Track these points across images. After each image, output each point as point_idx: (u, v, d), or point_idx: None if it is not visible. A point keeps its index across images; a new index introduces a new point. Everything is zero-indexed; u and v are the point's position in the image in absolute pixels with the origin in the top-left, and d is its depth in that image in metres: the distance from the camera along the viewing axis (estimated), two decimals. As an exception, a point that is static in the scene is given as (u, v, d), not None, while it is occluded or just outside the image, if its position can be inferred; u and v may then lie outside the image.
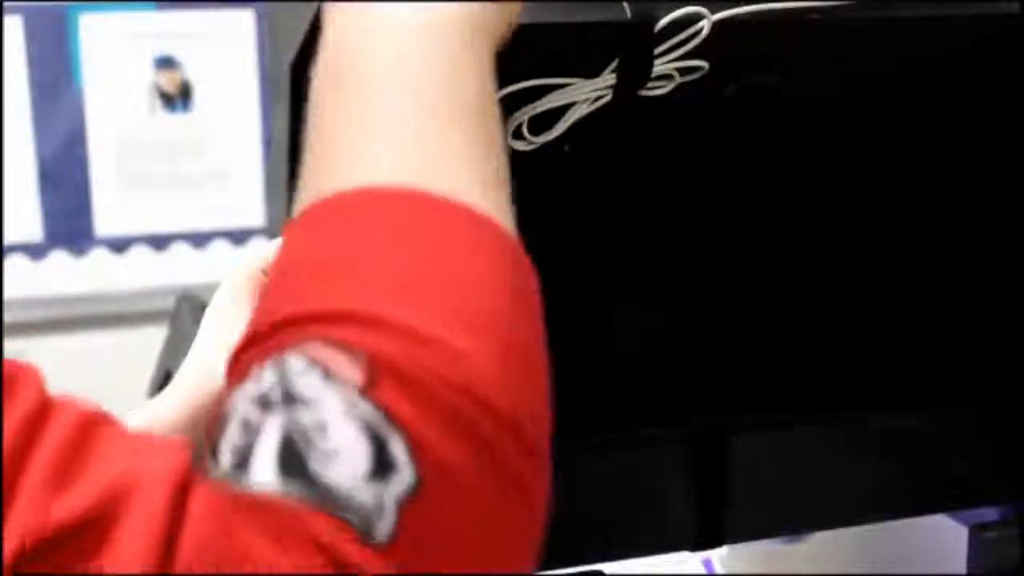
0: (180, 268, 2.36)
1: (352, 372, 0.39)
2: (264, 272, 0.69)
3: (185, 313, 1.31)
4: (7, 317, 2.13)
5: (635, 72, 0.73)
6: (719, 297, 0.83)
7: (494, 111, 0.48)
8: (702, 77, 0.75)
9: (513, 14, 0.52)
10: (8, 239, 2.24)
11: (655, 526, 0.85)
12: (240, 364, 0.42)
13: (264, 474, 0.38)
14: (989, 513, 0.95)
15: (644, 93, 0.74)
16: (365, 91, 0.47)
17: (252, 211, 2.38)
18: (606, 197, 0.79)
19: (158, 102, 2.33)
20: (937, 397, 0.90)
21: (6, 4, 2.16)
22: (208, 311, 0.71)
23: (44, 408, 0.40)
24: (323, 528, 0.37)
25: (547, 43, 0.72)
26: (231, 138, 2.37)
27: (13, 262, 2.26)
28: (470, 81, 0.48)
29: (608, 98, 0.73)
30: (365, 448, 0.38)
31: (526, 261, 0.46)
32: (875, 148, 0.84)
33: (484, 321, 0.42)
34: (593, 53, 0.73)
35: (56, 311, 2.29)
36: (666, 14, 0.73)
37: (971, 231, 0.87)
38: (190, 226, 2.37)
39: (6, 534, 0.37)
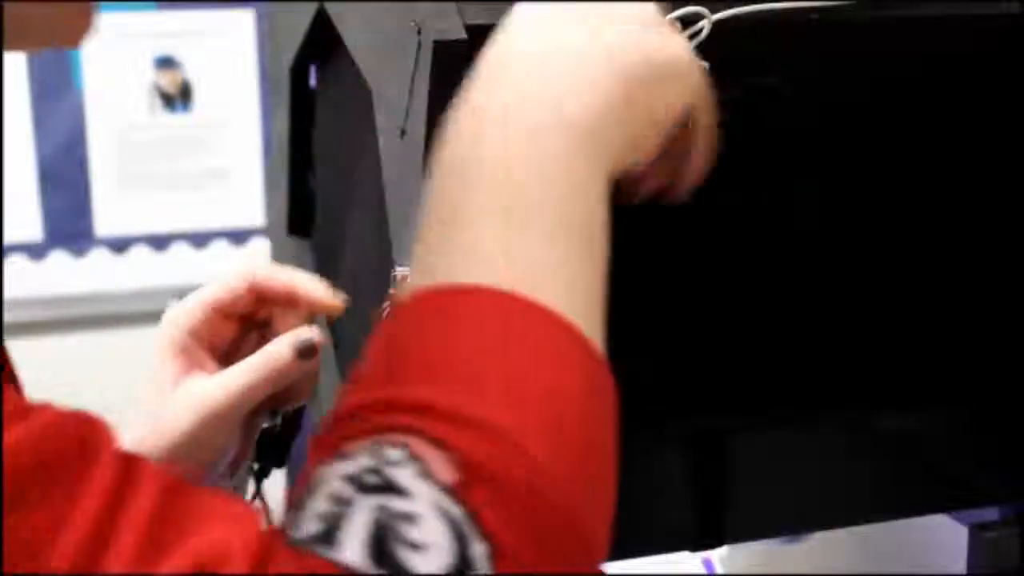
0: (180, 268, 2.36)
1: (447, 472, 0.42)
2: (189, 334, 0.73)
3: (185, 313, 1.31)
4: (7, 317, 2.13)
5: (635, 72, 0.73)
6: (719, 297, 0.83)
7: (605, 234, 0.52)
8: (702, 77, 0.75)
9: (641, 148, 0.55)
10: (8, 239, 2.24)
11: (655, 526, 0.85)
12: (339, 430, 0.45)
13: (352, 552, 0.40)
14: (989, 513, 0.95)
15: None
16: (494, 195, 0.50)
17: (252, 211, 2.38)
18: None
19: (158, 102, 2.33)
20: (937, 397, 0.90)
21: (6, 4, 2.16)
22: (143, 382, 0.74)
23: (127, 471, 0.41)
24: None
25: (547, 43, 0.72)
26: (231, 138, 2.37)
27: (13, 262, 2.26)
28: (594, 206, 0.51)
29: (608, 98, 0.73)
30: (450, 546, 0.41)
31: (612, 382, 0.49)
32: (875, 148, 0.84)
33: (575, 440, 0.45)
34: (593, 53, 0.73)
35: (56, 311, 2.29)
36: (666, 14, 0.73)
37: (972, 231, 0.87)
38: (190, 226, 2.37)
39: None
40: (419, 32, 0.70)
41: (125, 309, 2.33)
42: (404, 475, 0.42)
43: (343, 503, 0.42)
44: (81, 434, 0.42)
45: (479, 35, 0.70)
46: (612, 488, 0.47)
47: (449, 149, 0.54)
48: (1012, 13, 0.82)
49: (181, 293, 1.28)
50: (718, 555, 1.20)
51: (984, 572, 0.93)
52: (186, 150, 2.36)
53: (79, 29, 0.55)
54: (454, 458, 0.42)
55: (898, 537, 1.05)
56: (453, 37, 0.69)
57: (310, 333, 0.72)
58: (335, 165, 1.01)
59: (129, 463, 0.42)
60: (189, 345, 0.73)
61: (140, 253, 2.36)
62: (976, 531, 0.93)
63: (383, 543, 0.41)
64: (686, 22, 0.73)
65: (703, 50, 0.74)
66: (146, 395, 0.74)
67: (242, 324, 0.76)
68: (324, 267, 1.03)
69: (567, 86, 0.52)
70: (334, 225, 1.01)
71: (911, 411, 0.89)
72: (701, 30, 0.73)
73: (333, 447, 0.44)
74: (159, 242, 2.36)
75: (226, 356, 0.75)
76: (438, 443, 0.42)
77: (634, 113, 0.54)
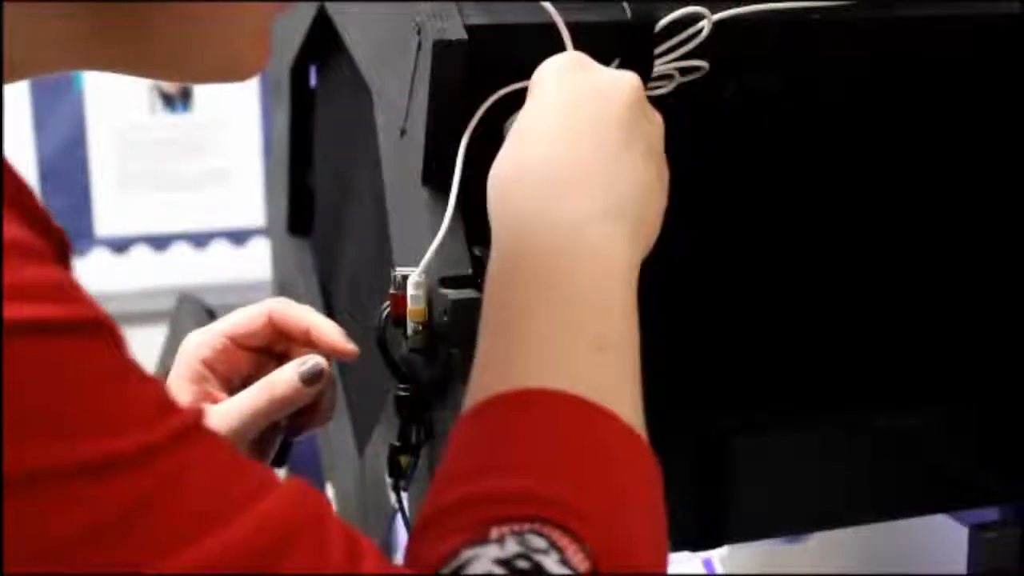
0: (180, 268, 2.36)
1: (581, 560, 0.49)
2: (204, 363, 0.75)
3: (185, 313, 1.32)
4: (7, 317, 2.13)
5: (635, 72, 0.73)
6: (719, 297, 0.83)
7: (638, 344, 0.61)
8: (702, 77, 0.75)
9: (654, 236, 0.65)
10: (8, 239, 2.24)
11: (655, 526, 0.85)
12: (463, 516, 0.51)
13: None
14: (989, 513, 0.95)
15: (644, 93, 0.74)
16: (567, 306, 0.58)
17: (252, 211, 2.38)
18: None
19: (158, 102, 2.33)
20: (937, 397, 0.90)
21: (6, 4, 2.16)
22: None
23: (351, 545, 0.47)
24: None
25: (547, 43, 0.72)
26: (231, 138, 2.37)
27: (13, 262, 2.26)
28: (634, 318, 0.61)
29: (608, 98, 0.73)
30: None
31: (660, 473, 0.57)
32: (875, 148, 0.84)
33: (659, 535, 0.55)
34: (593, 53, 0.73)
35: (56, 311, 2.28)
36: (666, 14, 0.73)
37: (972, 231, 0.88)
38: (190, 226, 2.37)
39: None
40: (419, 32, 0.70)
41: (125, 309, 2.33)
42: (550, 562, 0.48)
43: None
44: (321, 500, 0.47)
45: (479, 35, 0.70)
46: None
47: (509, 257, 0.61)
48: (1012, 13, 0.82)
49: (181, 293, 1.28)
50: (718, 555, 1.20)
51: (984, 572, 0.93)
52: (186, 150, 2.36)
53: (255, 62, 0.57)
54: (585, 549, 0.49)
55: (898, 537, 1.05)
56: (453, 37, 0.69)
57: (316, 359, 0.73)
58: (335, 165, 1.01)
59: (350, 535, 0.47)
60: (202, 373, 0.75)
61: (140, 253, 2.36)
62: (976, 531, 0.93)
63: None
64: (686, 22, 0.73)
65: (703, 50, 0.74)
66: None
67: (259, 356, 0.76)
68: (324, 267, 1.03)
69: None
70: (334, 225, 1.01)
71: (911, 411, 0.90)
72: (701, 30, 0.73)
73: (467, 529, 0.50)
74: (159, 242, 2.36)
75: (244, 384, 0.75)
76: (572, 535, 0.50)
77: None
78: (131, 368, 0.45)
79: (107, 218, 2.33)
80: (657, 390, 0.83)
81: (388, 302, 0.71)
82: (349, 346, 0.73)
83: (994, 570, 0.93)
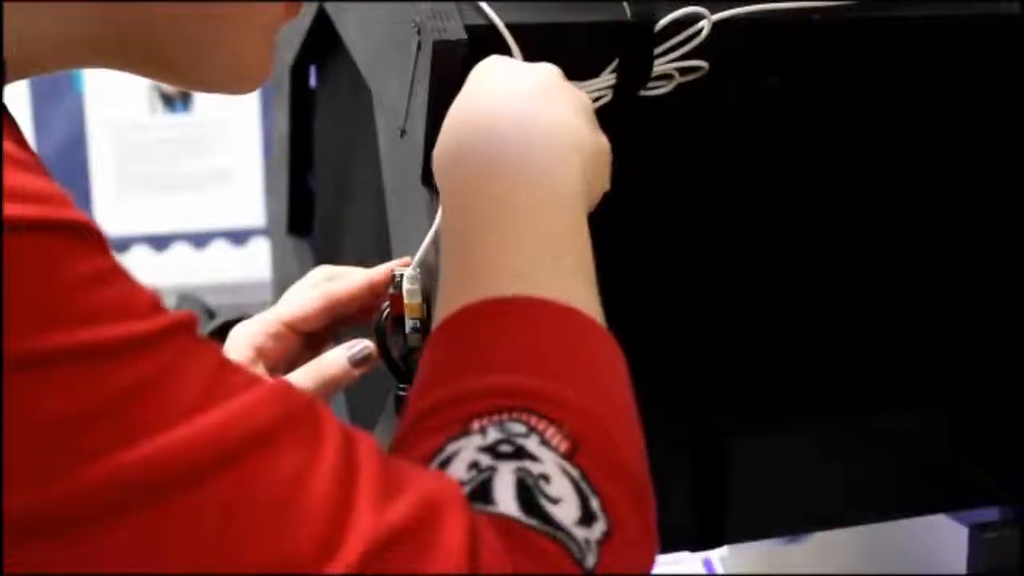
0: (180, 268, 2.35)
1: (561, 441, 0.51)
2: (255, 350, 0.76)
3: (185, 313, 1.31)
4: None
5: (635, 72, 0.73)
6: (719, 297, 0.83)
7: (591, 255, 0.62)
8: (702, 77, 0.75)
9: (601, 190, 0.66)
10: (8, 239, 2.24)
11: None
12: (443, 415, 0.52)
13: (507, 506, 0.49)
14: (989, 513, 0.95)
15: (644, 93, 0.75)
16: (522, 220, 0.60)
17: (252, 211, 2.38)
18: (605, 197, 0.79)
19: (158, 102, 2.33)
20: (937, 397, 0.90)
21: (6, 4, 2.16)
22: None
23: (347, 437, 0.48)
24: (556, 552, 0.49)
25: (547, 43, 0.72)
26: (231, 138, 2.37)
27: (13, 262, 2.25)
28: (586, 233, 0.62)
29: (608, 98, 0.73)
30: (576, 499, 0.50)
31: (624, 361, 0.59)
32: (875, 148, 0.84)
33: (630, 414, 0.57)
34: (593, 53, 0.73)
35: (56, 311, 2.28)
36: (666, 14, 0.73)
37: (972, 231, 0.87)
38: (190, 226, 2.37)
39: (351, 543, 0.45)
40: (419, 32, 0.70)
41: (125, 309, 2.33)
42: (530, 444, 0.51)
43: (487, 469, 0.50)
44: (309, 400, 0.49)
45: (479, 35, 0.70)
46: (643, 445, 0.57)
47: (466, 182, 0.62)
48: (1012, 13, 0.82)
49: (181, 293, 1.28)
50: (718, 555, 1.20)
51: (984, 572, 0.93)
52: (186, 150, 2.36)
53: (259, 71, 0.59)
54: (563, 430, 0.52)
55: (898, 537, 1.05)
56: (453, 37, 0.69)
57: (364, 342, 0.74)
58: (335, 165, 1.01)
59: (346, 430, 0.49)
60: (251, 359, 0.75)
61: (140, 253, 2.36)
62: (976, 531, 0.93)
63: (530, 497, 0.49)
64: (686, 22, 0.73)
65: (703, 50, 0.74)
66: None
67: (307, 339, 0.77)
68: (324, 267, 1.03)
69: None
70: (334, 225, 1.01)
71: (911, 411, 0.90)
72: (701, 30, 0.73)
73: (450, 426, 0.52)
74: (159, 242, 2.36)
75: (285, 371, 0.76)
76: (549, 418, 0.52)
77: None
78: (124, 270, 0.46)
79: (107, 218, 2.33)
80: (657, 390, 0.83)
81: (388, 302, 0.71)
82: (403, 259, 0.75)
83: (994, 570, 0.93)
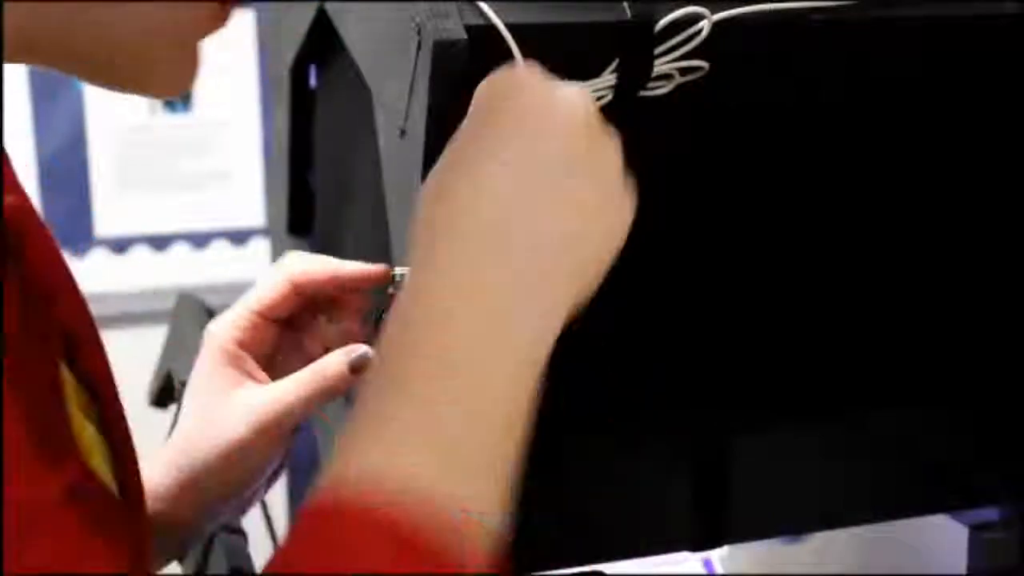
0: (180, 268, 2.35)
1: None
2: (238, 344, 0.75)
3: (185, 313, 1.31)
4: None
5: (635, 72, 0.73)
6: (719, 297, 0.83)
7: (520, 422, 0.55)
8: (702, 77, 0.75)
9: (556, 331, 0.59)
10: (8, 239, 2.24)
11: (655, 526, 0.85)
12: None
13: None
14: (989, 513, 0.95)
15: (644, 93, 0.75)
16: (440, 398, 0.53)
17: (252, 211, 2.38)
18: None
19: (158, 102, 2.33)
20: (937, 397, 0.90)
21: (6, 4, 2.16)
22: (189, 386, 0.77)
23: None
24: None
25: (547, 43, 0.72)
26: (231, 138, 2.37)
27: (13, 262, 2.25)
28: (520, 392, 0.56)
29: (608, 98, 0.73)
30: None
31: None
32: (875, 148, 0.84)
33: None
34: (593, 53, 0.73)
35: (56, 311, 2.28)
36: (666, 14, 0.73)
37: (972, 231, 0.88)
38: (190, 226, 2.37)
39: None
40: (419, 32, 0.70)
41: (125, 309, 2.33)
42: None
43: None
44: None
45: (479, 35, 0.70)
46: None
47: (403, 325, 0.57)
48: (1012, 13, 0.82)
49: (181, 293, 1.28)
50: (718, 555, 1.20)
51: (984, 572, 0.93)
52: (186, 151, 2.36)
53: (174, 79, 0.57)
54: None
55: (898, 537, 1.05)
56: (453, 37, 0.69)
57: (363, 348, 0.73)
58: (335, 165, 1.01)
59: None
60: (239, 355, 0.75)
61: (140, 253, 2.36)
62: (976, 531, 0.93)
63: None
64: (686, 22, 0.73)
65: (703, 50, 0.74)
66: (198, 396, 0.76)
67: (283, 329, 0.77)
68: (324, 267, 1.03)
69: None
70: (334, 225, 1.02)
71: (911, 411, 0.90)
72: (701, 30, 0.73)
73: None
74: (159, 242, 2.36)
75: (269, 361, 0.76)
76: None
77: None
78: None
79: (107, 218, 2.33)
80: (658, 390, 0.83)
81: (388, 302, 0.71)
82: (378, 267, 0.73)
83: (994, 570, 0.93)
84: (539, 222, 0.58)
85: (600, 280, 0.61)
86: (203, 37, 0.58)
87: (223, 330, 0.76)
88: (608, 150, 0.62)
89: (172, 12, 0.55)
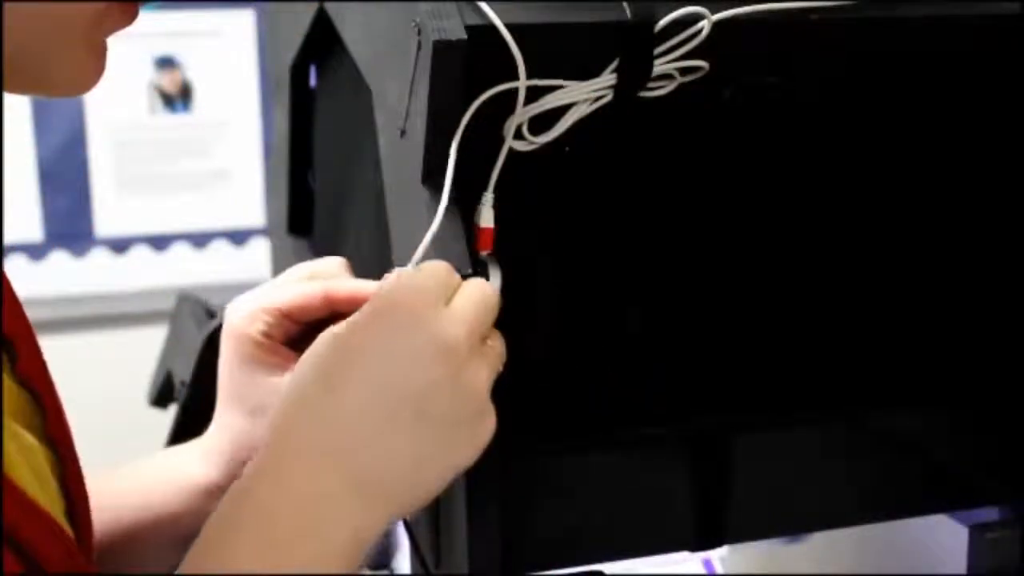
0: (180, 268, 2.36)
1: None
2: (267, 336, 0.76)
3: (185, 313, 1.31)
4: (7, 317, 2.13)
5: (635, 72, 0.73)
6: (719, 297, 0.83)
7: None
8: (702, 77, 0.75)
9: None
10: (8, 239, 2.24)
11: (655, 526, 0.85)
12: None
13: None
14: (989, 513, 0.95)
15: (644, 93, 0.75)
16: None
17: (252, 211, 2.38)
18: (606, 197, 0.79)
19: (158, 102, 2.33)
20: (937, 397, 0.90)
21: (6, 4, 2.16)
22: (220, 376, 0.79)
23: None
24: None
25: (547, 43, 0.72)
26: (231, 138, 2.37)
27: (13, 262, 2.26)
28: None
29: (608, 98, 0.73)
30: None
31: None
32: (875, 148, 0.84)
33: None
34: (593, 53, 0.73)
35: (56, 311, 2.29)
36: (666, 14, 0.73)
37: (972, 231, 0.88)
38: (190, 226, 2.37)
39: None
40: (419, 32, 0.70)
41: (125, 309, 2.33)
42: None
43: None
44: None
45: (479, 35, 0.70)
46: None
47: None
48: (1012, 13, 0.82)
49: (181, 293, 1.28)
50: (718, 555, 1.20)
51: (984, 572, 0.93)
52: (186, 150, 2.36)
53: (94, 77, 0.56)
54: None
55: (898, 537, 1.05)
56: (453, 37, 0.69)
57: None
58: (335, 165, 1.01)
59: None
60: (272, 345, 0.76)
61: (140, 253, 2.36)
62: (976, 531, 0.93)
63: None
64: (686, 22, 0.73)
65: (703, 50, 0.74)
66: (238, 387, 0.77)
67: (304, 327, 0.78)
68: (324, 267, 1.03)
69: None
70: (334, 225, 1.02)
71: (911, 411, 0.89)
72: (701, 30, 0.73)
73: None
74: (159, 242, 2.36)
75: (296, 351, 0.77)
76: None
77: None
78: None
79: (107, 218, 2.33)
80: (658, 389, 0.83)
81: (388, 302, 0.71)
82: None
83: (994, 570, 0.93)
84: (381, 445, 0.61)
85: (431, 497, 0.64)
86: (107, 35, 0.57)
87: (248, 321, 0.77)
88: (480, 374, 0.63)
89: (71, 11, 0.54)
